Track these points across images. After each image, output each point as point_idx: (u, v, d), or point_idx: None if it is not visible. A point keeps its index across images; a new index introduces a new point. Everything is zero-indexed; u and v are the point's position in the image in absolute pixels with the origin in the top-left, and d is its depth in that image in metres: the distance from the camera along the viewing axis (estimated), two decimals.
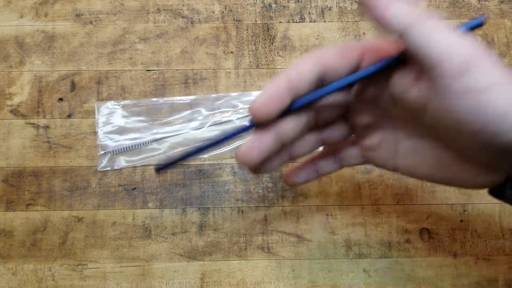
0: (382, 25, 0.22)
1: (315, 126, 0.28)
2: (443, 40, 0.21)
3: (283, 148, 0.27)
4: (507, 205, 0.40)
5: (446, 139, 0.24)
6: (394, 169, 0.28)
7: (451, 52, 0.21)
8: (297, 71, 0.24)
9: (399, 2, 0.22)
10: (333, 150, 0.30)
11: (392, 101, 0.26)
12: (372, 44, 0.25)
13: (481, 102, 0.20)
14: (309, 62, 0.25)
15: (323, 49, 0.25)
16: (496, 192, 0.25)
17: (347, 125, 0.29)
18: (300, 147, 0.28)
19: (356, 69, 0.25)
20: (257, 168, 0.27)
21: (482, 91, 0.21)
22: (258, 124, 0.25)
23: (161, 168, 0.29)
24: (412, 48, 0.22)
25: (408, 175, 0.28)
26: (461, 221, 0.40)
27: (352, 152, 0.30)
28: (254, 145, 0.25)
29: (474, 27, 0.24)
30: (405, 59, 0.24)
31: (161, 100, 0.43)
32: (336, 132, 0.29)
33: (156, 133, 0.42)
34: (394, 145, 0.28)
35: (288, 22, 0.46)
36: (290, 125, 0.26)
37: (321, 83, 0.25)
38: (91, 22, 0.45)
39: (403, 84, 0.24)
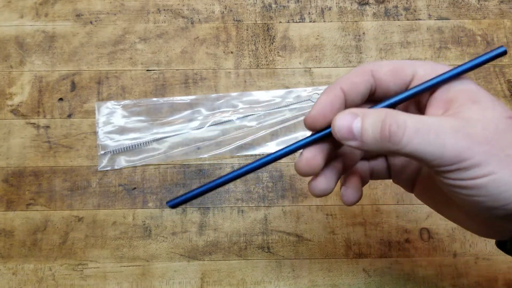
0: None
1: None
2: (436, 147, 0.22)
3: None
4: None
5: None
6: (411, 191, 0.30)
7: (443, 155, 0.22)
8: (351, 81, 0.25)
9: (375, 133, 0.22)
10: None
11: None
12: (424, 67, 0.25)
13: (474, 190, 0.22)
14: (362, 73, 0.25)
15: (378, 62, 0.25)
16: (500, 244, 0.26)
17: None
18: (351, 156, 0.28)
19: (406, 88, 0.25)
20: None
21: (474, 181, 0.22)
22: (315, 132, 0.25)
23: (176, 203, 0.27)
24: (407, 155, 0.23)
25: (422, 202, 0.29)
26: None
27: (380, 167, 0.30)
28: (315, 154, 0.25)
29: (495, 57, 0.24)
30: None
31: (161, 100, 0.43)
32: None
33: (156, 133, 0.42)
34: (416, 170, 0.29)
35: (288, 22, 0.46)
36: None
37: (371, 97, 0.26)
38: (91, 22, 0.45)
39: None
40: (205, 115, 0.43)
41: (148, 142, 0.42)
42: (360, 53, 0.44)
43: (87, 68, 0.44)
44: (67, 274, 0.39)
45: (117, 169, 0.41)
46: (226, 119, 0.42)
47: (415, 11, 0.46)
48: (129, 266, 0.39)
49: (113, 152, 0.42)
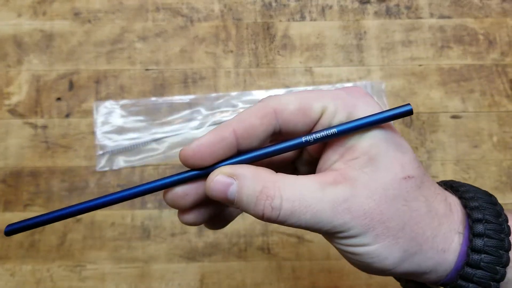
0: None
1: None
2: (308, 222, 0.21)
3: None
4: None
5: None
6: None
7: (319, 228, 0.21)
8: (248, 124, 0.22)
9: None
10: None
11: None
12: (334, 102, 0.22)
13: (357, 256, 0.22)
14: (264, 115, 0.22)
15: (281, 99, 0.22)
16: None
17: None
18: None
19: (312, 127, 0.23)
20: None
21: (356, 249, 0.22)
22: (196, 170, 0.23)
23: (12, 229, 0.23)
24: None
25: None
26: None
27: None
28: (180, 197, 0.23)
29: (401, 115, 0.22)
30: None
31: (160, 99, 0.43)
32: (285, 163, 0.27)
33: (155, 133, 0.42)
34: None
35: (289, 20, 0.45)
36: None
37: (276, 136, 0.23)
38: (89, 21, 0.45)
39: None
40: (204, 115, 0.42)
41: (147, 142, 0.41)
42: (362, 52, 0.44)
43: (85, 67, 0.44)
44: (65, 275, 0.38)
45: (115, 169, 0.41)
46: (226, 119, 0.42)
47: (416, 9, 0.45)
48: (128, 267, 0.39)
49: (112, 152, 0.41)
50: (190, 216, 0.23)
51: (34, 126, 0.42)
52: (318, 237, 0.39)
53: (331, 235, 0.21)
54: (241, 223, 0.40)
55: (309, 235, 0.39)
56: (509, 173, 0.40)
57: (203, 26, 0.45)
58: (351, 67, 0.44)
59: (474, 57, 0.44)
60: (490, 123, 0.42)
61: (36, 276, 0.38)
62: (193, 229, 0.39)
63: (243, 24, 0.45)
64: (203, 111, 0.42)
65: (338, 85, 0.43)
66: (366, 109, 0.22)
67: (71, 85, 0.43)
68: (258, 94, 0.43)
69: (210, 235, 0.39)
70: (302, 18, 0.45)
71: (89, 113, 0.42)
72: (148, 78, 0.43)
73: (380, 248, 0.22)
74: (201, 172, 0.22)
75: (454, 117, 0.42)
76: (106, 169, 0.41)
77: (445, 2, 0.46)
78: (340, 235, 0.21)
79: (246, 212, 0.21)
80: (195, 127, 0.42)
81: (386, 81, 0.43)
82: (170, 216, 0.40)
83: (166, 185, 0.22)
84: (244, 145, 0.22)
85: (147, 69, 0.44)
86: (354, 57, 0.44)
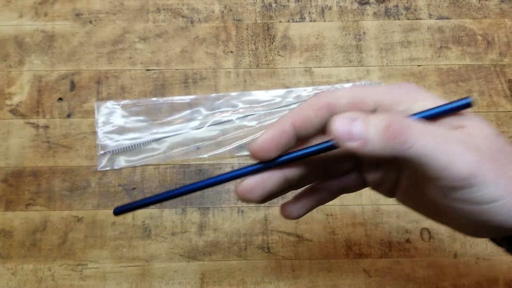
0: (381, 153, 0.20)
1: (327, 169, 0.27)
2: (443, 153, 0.20)
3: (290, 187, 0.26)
4: None
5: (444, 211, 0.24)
6: (392, 197, 0.27)
7: (452, 166, 0.20)
8: (304, 116, 0.23)
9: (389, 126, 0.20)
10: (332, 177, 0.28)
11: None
12: (390, 96, 0.23)
13: (481, 215, 0.21)
14: (318, 108, 0.23)
15: (335, 94, 0.23)
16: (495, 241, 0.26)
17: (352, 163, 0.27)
18: (305, 181, 0.26)
19: None
20: (259, 202, 0.25)
21: (482, 205, 0.20)
22: (264, 163, 0.24)
23: (121, 210, 0.26)
24: (411, 163, 0.20)
25: (407, 207, 0.27)
26: None
27: (352, 182, 0.28)
28: (258, 183, 0.24)
29: (460, 108, 0.22)
30: None
31: (161, 99, 0.43)
32: (344, 166, 0.27)
33: (156, 133, 0.42)
34: (394, 181, 0.26)
35: (288, 21, 0.45)
36: (296, 170, 0.24)
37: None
38: (90, 22, 0.45)
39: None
40: (204, 115, 0.42)
41: (148, 142, 0.42)
42: (361, 52, 0.44)
43: (87, 67, 0.44)
44: (67, 274, 0.39)
45: (116, 169, 0.41)
46: (226, 119, 0.42)
47: (415, 10, 0.46)
48: (129, 266, 0.39)
49: (113, 152, 0.41)
50: (294, 207, 0.26)
51: (36, 126, 0.42)
52: (318, 236, 0.39)
53: (455, 186, 0.20)
54: (241, 223, 0.40)
55: (308, 234, 0.40)
56: None
57: (204, 27, 0.45)
58: (351, 68, 0.44)
59: (473, 58, 0.44)
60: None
61: (38, 275, 0.39)
62: (193, 229, 0.40)
63: (243, 24, 0.45)
64: (204, 111, 0.43)
65: (338, 86, 0.43)
66: (425, 103, 0.21)
67: (73, 86, 0.43)
68: (258, 94, 0.43)
69: (211, 234, 0.40)
70: (302, 19, 0.45)
71: (90, 113, 0.43)
72: (149, 78, 0.44)
73: (509, 199, 0.20)
74: (268, 164, 0.24)
75: None
76: (107, 168, 0.41)
77: (444, 3, 0.46)
78: (471, 181, 0.20)
79: (371, 150, 0.20)
80: (195, 127, 0.42)
81: (385, 81, 0.43)
82: (170, 215, 0.40)
83: (238, 176, 0.24)
84: (302, 136, 0.23)
85: (148, 70, 0.44)
86: (354, 58, 0.44)
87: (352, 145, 0.20)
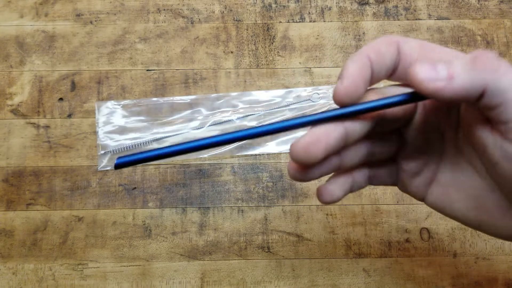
0: (453, 96, 0.19)
1: (369, 137, 0.25)
2: None
3: (340, 152, 0.24)
4: None
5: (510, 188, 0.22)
6: (422, 198, 0.26)
7: None
8: (377, 51, 0.22)
9: (462, 65, 0.19)
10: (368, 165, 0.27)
11: (465, 140, 0.23)
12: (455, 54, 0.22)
13: None
14: (389, 43, 0.22)
15: (404, 37, 0.23)
16: None
17: (397, 143, 0.26)
18: (352, 154, 0.25)
19: None
20: (309, 170, 0.23)
21: None
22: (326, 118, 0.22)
23: (122, 162, 0.24)
24: (490, 105, 0.19)
25: (436, 209, 0.26)
26: None
27: (386, 172, 0.26)
28: (321, 137, 0.22)
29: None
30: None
31: (161, 100, 0.43)
32: (386, 148, 0.26)
33: (156, 133, 0.42)
34: (433, 173, 0.25)
35: (288, 22, 0.46)
36: (357, 124, 0.23)
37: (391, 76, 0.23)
38: (91, 22, 0.45)
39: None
40: (205, 115, 0.43)
41: (148, 142, 0.42)
42: None
43: (87, 68, 0.44)
44: (67, 274, 0.39)
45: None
46: (226, 119, 0.42)
47: (415, 11, 0.46)
48: (129, 266, 0.39)
49: (113, 152, 0.42)
50: (338, 191, 0.24)
51: (37, 126, 0.42)
52: (318, 236, 0.40)
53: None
54: (241, 222, 0.40)
55: (308, 234, 0.40)
56: None
57: (204, 27, 0.45)
58: None
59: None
60: None
61: (38, 275, 0.39)
62: (193, 228, 0.40)
63: (243, 25, 0.45)
64: (204, 111, 0.43)
65: (336, 85, 0.43)
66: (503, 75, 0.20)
67: (73, 86, 0.44)
68: (258, 95, 0.43)
69: (211, 234, 0.40)
70: (302, 19, 0.46)
71: (91, 113, 0.43)
72: (149, 78, 0.44)
73: None
74: (348, 110, 0.22)
75: None
76: (108, 168, 0.41)
77: (443, 4, 0.46)
78: None
79: (460, 85, 0.19)
80: (195, 127, 0.42)
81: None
82: (171, 215, 0.40)
83: (305, 123, 0.22)
84: (374, 75, 0.22)
85: (148, 70, 0.44)
86: None
87: (439, 84, 0.19)
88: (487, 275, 0.39)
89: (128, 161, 0.23)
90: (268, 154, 0.42)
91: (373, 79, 0.23)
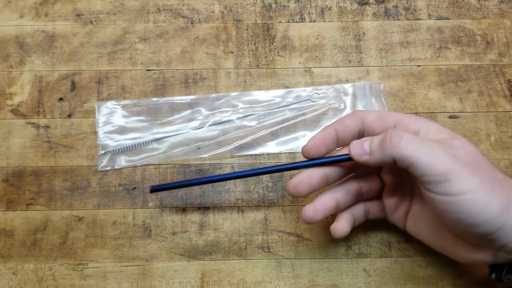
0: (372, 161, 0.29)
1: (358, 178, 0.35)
2: (427, 154, 0.26)
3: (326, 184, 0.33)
4: None
5: (441, 219, 0.29)
6: (403, 227, 0.35)
7: (433, 164, 0.26)
8: (343, 124, 0.31)
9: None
10: (362, 202, 0.36)
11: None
12: (406, 118, 0.31)
13: (456, 206, 0.26)
14: (354, 118, 0.32)
15: (367, 111, 0.32)
16: (495, 277, 0.31)
17: (379, 183, 0.35)
18: (346, 192, 0.34)
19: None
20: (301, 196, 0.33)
21: (458, 196, 0.26)
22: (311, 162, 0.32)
23: (157, 189, 0.34)
24: (404, 164, 0.28)
25: (413, 236, 0.34)
26: None
27: (377, 207, 0.36)
28: (305, 178, 0.32)
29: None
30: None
31: (161, 99, 0.43)
32: (372, 186, 0.35)
33: (156, 133, 0.42)
34: (408, 207, 0.34)
35: (288, 22, 0.46)
36: (334, 169, 0.32)
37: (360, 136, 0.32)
38: (91, 22, 0.45)
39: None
40: (205, 115, 0.43)
41: (148, 142, 0.42)
42: (360, 53, 0.45)
43: (87, 68, 0.44)
44: (67, 274, 0.39)
45: (117, 169, 0.41)
46: (226, 119, 0.42)
47: (415, 11, 0.46)
48: (129, 266, 0.39)
49: (113, 152, 0.42)
50: (340, 225, 0.34)
51: (37, 126, 0.42)
52: (318, 236, 0.40)
53: (436, 181, 0.26)
54: (241, 222, 0.40)
55: (308, 234, 0.40)
56: (507, 173, 0.41)
57: (204, 27, 0.45)
58: (350, 68, 0.44)
59: (472, 58, 0.44)
60: (488, 123, 0.42)
61: (38, 275, 0.39)
62: (193, 228, 0.40)
63: (243, 25, 0.45)
64: (204, 111, 0.43)
65: (338, 86, 0.43)
66: (429, 127, 0.30)
67: (73, 86, 0.44)
68: (258, 95, 0.43)
69: (211, 234, 0.40)
70: (302, 19, 0.46)
71: (91, 113, 0.43)
72: (149, 78, 0.44)
73: (481, 195, 0.25)
74: (318, 161, 0.32)
75: (452, 117, 0.43)
76: (108, 168, 0.41)
77: (443, 4, 0.46)
78: (448, 177, 0.26)
79: (376, 158, 0.29)
80: (195, 127, 0.42)
81: (384, 82, 0.44)
82: (171, 215, 0.40)
83: (295, 167, 0.33)
84: (340, 140, 0.32)
85: (148, 70, 0.44)
86: (353, 58, 0.44)
87: (364, 158, 0.30)
88: (487, 275, 0.39)
89: (162, 188, 0.35)
90: (268, 154, 0.42)
91: (340, 143, 0.32)
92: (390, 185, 0.34)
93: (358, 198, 0.34)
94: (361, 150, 0.29)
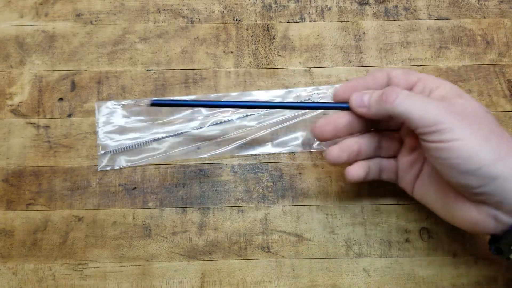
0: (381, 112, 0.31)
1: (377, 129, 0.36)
2: (419, 108, 0.28)
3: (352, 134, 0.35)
4: None
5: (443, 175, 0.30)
6: (411, 192, 0.35)
7: (424, 116, 0.28)
8: (374, 75, 0.34)
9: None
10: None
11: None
12: (426, 76, 0.33)
13: (449, 152, 0.27)
14: (381, 71, 0.34)
15: (392, 68, 0.36)
16: (496, 251, 0.31)
17: (398, 142, 0.36)
18: (368, 142, 0.35)
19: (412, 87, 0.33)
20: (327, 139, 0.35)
21: (448, 143, 0.27)
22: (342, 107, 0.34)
23: (157, 103, 0.35)
24: (400, 117, 0.30)
25: (419, 200, 0.35)
26: None
27: (391, 167, 0.36)
28: (330, 121, 0.33)
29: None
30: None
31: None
32: (391, 143, 0.36)
33: (156, 133, 0.42)
34: (418, 170, 0.34)
35: (288, 22, 0.46)
36: (360, 121, 0.34)
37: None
38: (91, 22, 0.45)
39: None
40: (205, 115, 0.43)
41: (148, 142, 0.42)
42: (360, 53, 0.45)
43: (87, 68, 0.44)
44: (67, 274, 0.39)
45: (117, 169, 0.41)
46: (226, 119, 0.42)
47: (415, 11, 0.46)
48: (129, 266, 0.39)
49: (113, 152, 0.42)
50: (355, 168, 0.34)
51: (37, 126, 0.42)
52: (318, 236, 0.40)
53: (429, 131, 0.28)
54: (241, 222, 0.40)
55: (308, 233, 0.40)
56: None
57: (204, 27, 0.45)
58: (350, 68, 0.44)
59: (472, 58, 0.44)
60: None
61: (38, 275, 0.39)
62: (193, 228, 0.40)
63: (243, 25, 0.45)
64: (204, 111, 0.43)
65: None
66: (445, 86, 0.32)
67: (73, 86, 0.44)
68: (258, 95, 0.43)
69: (211, 233, 0.40)
70: (302, 19, 0.46)
71: (91, 113, 0.43)
72: (149, 78, 0.44)
73: (472, 142, 0.27)
74: (318, 104, 0.36)
75: None
76: (108, 168, 0.41)
77: (443, 4, 0.46)
78: (438, 127, 0.27)
79: (373, 112, 0.31)
80: (195, 127, 0.42)
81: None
82: (171, 215, 0.40)
83: (294, 107, 0.36)
84: (370, 88, 0.33)
85: (148, 70, 0.44)
86: (353, 58, 0.44)
87: (362, 110, 0.32)
88: (487, 275, 0.39)
89: (162, 102, 0.35)
90: (268, 154, 0.42)
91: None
92: (407, 144, 0.35)
93: (377, 153, 0.35)
94: (360, 102, 0.31)
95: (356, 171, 0.34)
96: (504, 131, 0.29)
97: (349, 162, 0.35)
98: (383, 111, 0.30)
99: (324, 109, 0.35)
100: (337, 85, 0.43)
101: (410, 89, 0.32)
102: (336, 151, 0.33)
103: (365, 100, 0.31)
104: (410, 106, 0.28)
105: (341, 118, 0.33)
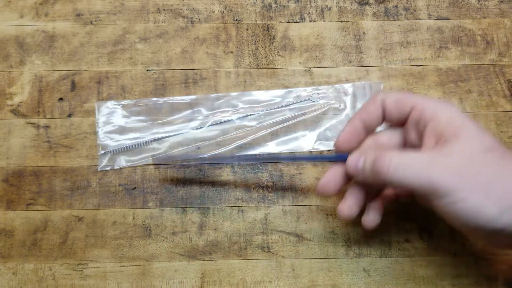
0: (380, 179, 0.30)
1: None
2: (412, 180, 0.28)
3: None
4: None
5: None
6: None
7: (420, 188, 0.28)
8: (366, 111, 0.33)
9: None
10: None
11: None
12: (422, 102, 0.31)
13: (454, 215, 0.27)
14: (374, 102, 0.32)
15: (386, 93, 0.33)
16: None
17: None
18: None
19: (406, 117, 0.32)
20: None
21: (450, 206, 0.27)
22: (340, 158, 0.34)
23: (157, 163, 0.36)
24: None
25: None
26: None
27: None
28: (330, 179, 0.33)
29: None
30: None
31: (161, 99, 0.43)
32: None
33: (156, 133, 0.42)
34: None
35: (288, 22, 0.46)
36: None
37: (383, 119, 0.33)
38: (91, 22, 0.45)
39: None
40: (205, 115, 0.43)
41: (148, 142, 0.42)
42: (360, 53, 0.45)
43: (87, 68, 0.44)
44: (67, 274, 0.39)
45: (117, 169, 0.41)
46: (226, 119, 0.42)
47: (415, 11, 0.46)
48: (129, 266, 0.39)
49: (113, 152, 0.42)
50: (345, 208, 0.33)
51: (37, 126, 0.42)
52: (318, 236, 0.40)
53: (429, 198, 0.27)
54: (241, 222, 0.40)
55: (308, 234, 0.40)
56: None
57: (204, 27, 0.45)
58: (350, 68, 0.44)
59: (472, 58, 0.44)
60: (488, 123, 0.42)
61: (38, 275, 0.39)
62: (193, 228, 0.40)
63: (243, 25, 0.45)
64: (204, 111, 0.43)
65: (338, 86, 0.43)
66: (439, 120, 0.30)
67: (73, 86, 0.44)
68: (258, 95, 0.43)
69: (211, 233, 0.40)
70: (302, 19, 0.46)
71: (91, 113, 0.43)
72: (149, 78, 0.44)
73: (474, 199, 0.26)
74: (315, 157, 0.39)
75: None
76: (108, 168, 0.41)
77: (443, 4, 0.46)
78: (437, 193, 0.27)
79: (369, 181, 0.31)
80: (195, 127, 0.42)
81: (384, 82, 0.44)
82: (171, 215, 0.40)
83: (323, 159, 0.39)
84: (368, 126, 0.33)
85: (148, 70, 0.44)
86: (353, 58, 0.44)
87: (359, 177, 0.32)
88: (487, 275, 0.39)
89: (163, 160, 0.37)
90: (268, 154, 0.42)
91: (368, 130, 0.33)
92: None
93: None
94: (355, 169, 0.31)
95: (372, 218, 0.35)
96: (506, 167, 0.27)
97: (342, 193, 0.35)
98: (380, 180, 0.29)
99: (327, 161, 0.36)
100: (337, 85, 0.43)
101: (404, 121, 0.32)
102: (347, 210, 0.33)
103: (359, 166, 0.31)
104: (405, 175, 0.28)
105: (340, 171, 0.33)
